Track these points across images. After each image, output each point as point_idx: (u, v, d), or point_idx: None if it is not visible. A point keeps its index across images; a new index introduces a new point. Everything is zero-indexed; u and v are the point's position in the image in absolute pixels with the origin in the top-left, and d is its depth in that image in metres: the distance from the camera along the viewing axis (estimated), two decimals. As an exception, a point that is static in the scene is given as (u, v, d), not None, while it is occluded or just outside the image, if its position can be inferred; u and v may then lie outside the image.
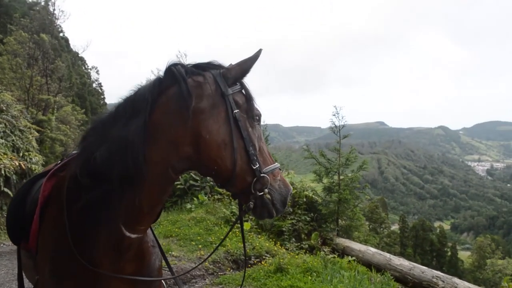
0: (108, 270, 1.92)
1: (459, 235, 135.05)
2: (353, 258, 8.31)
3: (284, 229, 9.79)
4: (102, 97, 58.44)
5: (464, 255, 66.91)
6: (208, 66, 2.08)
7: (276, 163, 2.21)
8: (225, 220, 9.89)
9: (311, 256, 8.05)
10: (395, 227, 67.95)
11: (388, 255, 8.48)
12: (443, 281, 7.16)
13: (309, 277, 6.50)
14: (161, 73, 2.02)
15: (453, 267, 50.02)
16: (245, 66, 2.05)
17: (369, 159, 13.36)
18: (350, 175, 11.73)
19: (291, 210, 10.36)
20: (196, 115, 1.88)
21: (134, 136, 1.79)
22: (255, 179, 2.03)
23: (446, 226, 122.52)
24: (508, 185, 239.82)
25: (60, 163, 2.32)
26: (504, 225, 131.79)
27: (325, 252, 8.41)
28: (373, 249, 8.78)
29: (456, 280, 7.18)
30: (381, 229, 52.79)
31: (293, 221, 9.97)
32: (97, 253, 1.89)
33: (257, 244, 8.37)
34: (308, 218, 10.61)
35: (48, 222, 2.05)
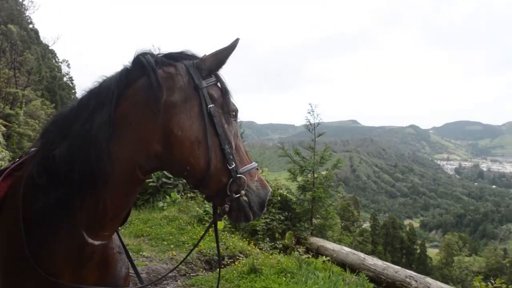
0: (68, 280, 1.75)
1: (428, 232, 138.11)
2: (328, 258, 8.25)
3: (258, 228, 9.67)
4: (73, 91, 57.10)
5: (432, 252, 68.44)
6: (181, 56, 1.91)
7: (254, 163, 2.07)
8: (198, 219, 9.70)
9: (286, 256, 7.96)
10: (366, 225, 68.88)
11: (362, 254, 8.46)
12: (416, 281, 7.18)
13: (284, 278, 6.40)
14: (129, 64, 1.85)
15: (422, 264, 51.04)
16: (221, 56, 1.89)
17: (342, 157, 13.36)
18: (324, 173, 11.70)
19: (265, 209, 10.23)
20: (167, 110, 1.71)
21: (97, 132, 1.61)
22: (231, 180, 1.88)
23: (416, 224, 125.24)
24: (475, 184, 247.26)
25: (17, 161, 2.10)
26: (470, 223, 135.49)
27: (299, 252, 8.32)
28: (347, 249, 8.75)
29: (429, 280, 7.20)
30: (353, 227, 53.42)
31: (267, 220, 9.86)
32: (56, 262, 1.72)
33: (231, 244, 8.22)
34: (282, 217, 10.52)
35: (1, 227, 1.84)
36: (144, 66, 1.74)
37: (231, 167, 1.86)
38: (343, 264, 8.19)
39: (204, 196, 2.09)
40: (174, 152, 1.74)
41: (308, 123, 11.53)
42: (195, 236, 8.45)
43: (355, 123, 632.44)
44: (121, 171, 1.68)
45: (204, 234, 2.24)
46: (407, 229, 62.25)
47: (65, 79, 57.96)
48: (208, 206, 10.34)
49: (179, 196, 11.35)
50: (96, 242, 1.75)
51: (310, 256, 8.10)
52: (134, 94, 1.71)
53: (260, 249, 8.75)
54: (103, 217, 1.71)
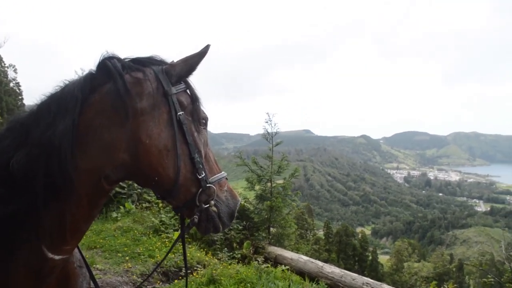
0: None
1: (379, 239, 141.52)
2: (287, 267, 8.23)
3: (215, 238, 9.55)
4: (20, 97, 54.62)
5: (383, 258, 70.02)
6: (149, 61, 1.84)
7: (223, 172, 2.02)
8: (154, 230, 9.46)
9: (245, 266, 7.88)
10: (320, 233, 69.82)
11: (320, 263, 8.51)
12: (372, 288, 7.30)
13: (243, 288, 6.33)
14: (93, 68, 1.75)
15: (373, 271, 52.01)
16: (191, 62, 1.84)
17: (296, 166, 13.50)
18: (280, 182, 11.75)
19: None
20: (134, 117, 1.64)
21: (60, 140, 1.51)
22: (200, 190, 1.83)
23: (367, 231, 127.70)
24: (423, 191, 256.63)
25: None
26: (419, 229, 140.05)
27: (258, 261, 8.26)
28: (305, 257, 8.79)
29: (385, 286, 7.33)
30: (308, 235, 53.96)
31: (225, 230, 9.71)
32: (13, 280, 1.59)
33: (188, 254, 8.05)
34: (240, 227, 10.45)
35: None
36: (110, 70, 1.66)
37: (200, 177, 1.82)
38: (301, 273, 8.20)
39: (172, 207, 2.02)
40: (141, 161, 1.67)
41: (266, 132, 11.56)
42: (151, 248, 8.22)
43: (308, 132, 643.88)
44: (85, 181, 1.59)
45: (171, 248, 2.16)
46: (359, 236, 63.45)
47: (11, 84, 55.41)
48: (164, 216, 10.13)
49: (133, 206, 11.04)
50: (57, 257, 1.64)
51: (269, 266, 8.07)
52: (100, 100, 1.63)
53: (218, 259, 8.63)
54: (65, 230, 1.60)
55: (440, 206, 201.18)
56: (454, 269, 58.22)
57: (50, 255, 1.60)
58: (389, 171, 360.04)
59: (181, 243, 2.11)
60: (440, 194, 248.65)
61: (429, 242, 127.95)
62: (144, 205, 11.29)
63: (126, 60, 1.78)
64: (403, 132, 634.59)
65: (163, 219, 9.90)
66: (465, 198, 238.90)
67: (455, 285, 6.52)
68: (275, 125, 11.70)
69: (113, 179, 1.69)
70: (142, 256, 7.69)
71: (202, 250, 8.89)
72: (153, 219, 9.88)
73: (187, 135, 1.77)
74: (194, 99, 1.88)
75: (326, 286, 7.35)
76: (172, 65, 1.83)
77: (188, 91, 1.88)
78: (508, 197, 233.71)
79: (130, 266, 7.16)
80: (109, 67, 1.67)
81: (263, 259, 8.73)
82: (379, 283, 7.51)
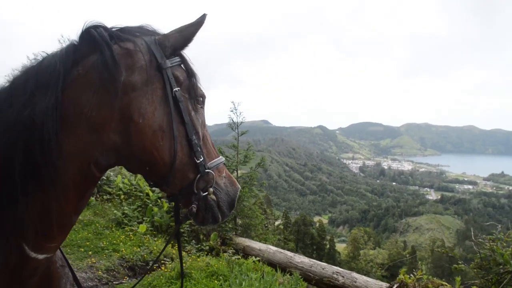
0: None
1: (336, 228, 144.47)
2: (258, 258, 8.11)
3: (182, 230, 9.28)
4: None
5: (340, 247, 71.74)
6: (140, 31, 1.60)
7: (221, 157, 1.83)
8: (116, 223, 9.08)
9: (215, 258, 7.70)
10: (278, 223, 70.62)
11: (289, 253, 8.42)
12: (343, 276, 7.27)
13: (216, 281, 6.13)
14: (76, 39, 1.51)
15: (331, 259, 53.15)
16: (187, 33, 1.62)
17: (262, 156, 13.42)
18: (246, 172, 11.59)
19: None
20: (125, 93, 1.43)
21: (43, 119, 1.28)
22: (198, 175, 1.63)
23: (325, 220, 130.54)
24: (377, 181, 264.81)
25: None
26: (374, 218, 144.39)
27: (229, 253, 8.09)
28: (273, 248, 8.67)
29: (354, 274, 7.33)
30: (268, 226, 54.34)
31: (191, 221, 9.43)
32: None
33: (155, 248, 7.77)
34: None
35: None
36: (96, 40, 1.43)
37: (198, 161, 1.62)
38: (271, 264, 8.09)
39: (165, 196, 1.82)
40: (134, 143, 1.46)
41: (231, 121, 11.33)
42: (114, 241, 7.87)
43: (266, 123, 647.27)
44: (72, 167, 1.36)
45: (167, 244, 1.95)
46: (317, 225, 64.68)
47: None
48: (127, 209, 9.73)
49: (93, 198, 10.57)
50: (41, 256, 1.41)
51: (240, 257, 7.92)
52: (85, 75, 1.40)
53: (186, 251, 8.38)
54: (51, 224, 1.36)
55: (393, 195, 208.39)
56: (407, 255, 60.43)
57: (33, 254, 1.37)
58: (345, 161, 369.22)
59: (176, 244, 1.90)
60: (394, 183, 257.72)
61: (384, 229, 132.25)
62: (105, 197, 10.85)
63: (114, 29, 1.55)
64: (358, 123, 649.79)
65: (125, 211, 9.51)
66: (417, 187, 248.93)
67: (423, 272, 6.58)
68: (240, 114, 11.49)
69: (103, 165, 1.48)
70: (106, 251, 7.33)
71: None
72: (115, 211, 9.48)
73: (184, 114, 1.58)
74: (190, 74, 1.68)
75: (301, 277, 7.26)
76: (166, 35, 1.62)
77: (183, 65, 1.68)
78: (457, 186, 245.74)
79: (94, 261, 6.81)
80: (94, 37, 1.44)
81: (233, 251, 8.55)
82: (349, 271, 7.50)
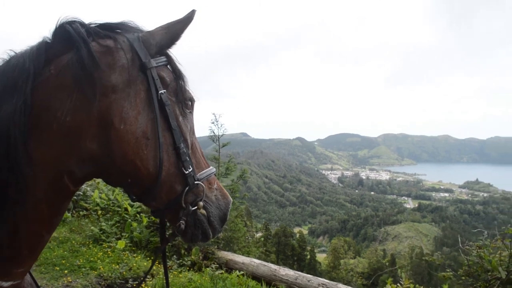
0: None
1: (316, 238, 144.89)
2: (241, 272, 7.89)
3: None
4: None
5: (321, 257, 71.91)
6: (121, 27, 1.43)
7: (211, 167, 1.66)
8: (93, 239, 8.74)
9: (197, 273, 7.46)
10: (259, 235, 70.36)
11: (273, 265, 8.23)
12: (328, 288, 7.13)
13: (199, 298, 5.91)
14: (49, 36, 1.34)
15: (312, 270, 53.15)
16: (174, 30, 1.47)
17: (245, 167, 13.31)
18: (228, 184, 11.42)
19: (168, 224, 9.56)
20: (104, 95, 1.27)
21: (9, 124, 1.12)
22: (187, 188, 1.46)
23: (305, 231, 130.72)
24: (356, 191, 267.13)
25: None
26: (353, 227, 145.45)
27: (212, 268, 7.85)
28: (257, 261, 8.47)
29: (340, 286, 7.18)
30: (248, 238, 53.97)
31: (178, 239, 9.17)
32: None
33: (134, 264, 7.49)
34: (188, 232, 9.97)
35: None
36: (71, 37, 1.26)
37: (187, 172, 1.46)
38: (255, 277, 7.89)
39: (150, 211, 1.64)
40: (114, 152, 1.29)
41: (213, 133, 11.19)
42: (92, 259, 7.55)
43: (245, 135, 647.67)
44: (43, 180, 1.19)
45: (152, 265, 1.76)
46: (297, 236, 64.76)
47: None
48: (105, 224, 9.41)
49: (69, 214, 10.21)
50: (6, 284, 1.22)
51: (224, 272, 7.70)
52: (57, 75, 1.23)
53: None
54: (19, 247, 1.18)
55: (372, 204, 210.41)
56: (387, 263, 60.90)
57: None
58: (323, 172, 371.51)
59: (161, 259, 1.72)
60: (372, 192, 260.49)
61: (363, 239, 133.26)
62: (81, 213, 10.47)
63: (92, 25, 1.38)
64: (336, 134, 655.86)
65: (103, 227, 9.19)
66: (395, 196, 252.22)
67: (410, 281, 6.49)
68: (221, 126, 11.36)
69: (79, 177, 1.30)
70: (83, 269, 7.02)
71: (148, 258, 8.32)
72: (92, 227, 9.14)
73: (170, 119, 1.42)
74: (178, 75, 1.52)
75: (285, 290, 7.07)
76: (151, 33, 1.46)
77: (169, 65, 1.52)
78: (434, 194, 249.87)
79: (70, 280, 6.49)
80: (69, 33, 1.28)
81: (217, 265, 8.30)
82: (335, 283, 7.35)
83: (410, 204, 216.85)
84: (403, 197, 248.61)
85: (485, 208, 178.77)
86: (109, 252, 8.04)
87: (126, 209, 10.33)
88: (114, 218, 10.01)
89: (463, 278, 5.70)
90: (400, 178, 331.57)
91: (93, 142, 1.26)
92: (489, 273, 5.37)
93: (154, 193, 1.42)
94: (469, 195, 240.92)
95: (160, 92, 1.40)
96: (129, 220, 9.76)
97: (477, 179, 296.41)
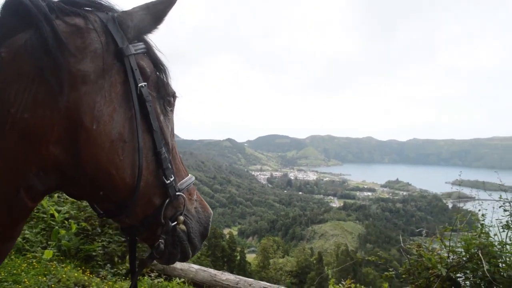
0: None
1: (246, 239, 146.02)
2: (182, 279, 7.58)
3: (94, 253, 8.42)
4: None
5: (250, 257, 72.55)
6: (91, 4, 1.16)
7: (191, 175, 1.43)
8: (16, 249, 7.99)
9: (135, 283, 7.03)
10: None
11: (212, 270, 7.98)
12: (271, 292, 7.08)
13: (139, 310, 5.55)
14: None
15: (242, 270, 53.47)
16: (156, 11, 1.18)
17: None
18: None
19: (99, 230, 9.00)
20: (73, 87, 1.00)
21: None
22: (167, 200, 1.23)
23: (234, 231, 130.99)
24: (285, 191, 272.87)
25: None
26: (282, 227, 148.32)
27: (151, 276, 7.45)
28: (195, 266, 8.18)
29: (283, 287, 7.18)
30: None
31: (103, 243, 8.65)
32: None
33: (63, 276, 6.91)
34: (122, 238, 9.43)
35: None
36: (29, 12, 0.96)
37: (168, 182, 1.21)
38: (196, 284, 7.62)
39: (120, 228, 1.37)
40: (84, 159, 1.02)
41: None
42: (14, 271, 6.86)
43: (175, 137, 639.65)
44: None
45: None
46: (227, 237, 64.96)
47: None
48: (28, 232, 8.63)
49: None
50: None
51: (163, 280, 7.34)
52: (11, 60, 0.95)
53: (100, 277, 7.59)
54: None
55: (300, 204, 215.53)
56: (314, 261, 62.70)
57: None
58: (253, 173, 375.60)
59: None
60: (300, 193, 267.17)
61: (292, 238, 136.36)
62: None
63: (54, 0, 1.08)
64: (266, 135, 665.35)
65: (26, 235, 8.43)
66: (321, 196, 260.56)
67: (352, 281, 6.57)
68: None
69: (39, 190, 1.01)
70: (5, 283, 6.35)
71: (78, 268, 7.74)
72: (14, 236, 8.38)
73: (151, 118, 1.15)
74: (159, 66, 1.26)
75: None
76: (128, 13, 1.16)
77: (148, 54, 1.26)
78: (358, 193, 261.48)
79: (-9, 296, 5.87)
80: (26, 6, 0.96)
81: (156, 273, 7.91)
82: (277, 286, 7.30)
83: (336, 203, 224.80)
84: (330, 196, 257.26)
85: (404, 206, 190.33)
86: (34, 263, 7.37)
87: (52, 215, 9.57)
88: (39, 225, 9.23)
89: (403, 276, 5.85)
90: (327, 178, 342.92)
91: (57, 146, 0.99)
92: (430, 271, 5.54)
93: (128, 207, 1.15)
94: (390, 194, 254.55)
95: (139, 85, 1.13)
96: (56, 227, 9.03)
97: (397, 179, 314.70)
